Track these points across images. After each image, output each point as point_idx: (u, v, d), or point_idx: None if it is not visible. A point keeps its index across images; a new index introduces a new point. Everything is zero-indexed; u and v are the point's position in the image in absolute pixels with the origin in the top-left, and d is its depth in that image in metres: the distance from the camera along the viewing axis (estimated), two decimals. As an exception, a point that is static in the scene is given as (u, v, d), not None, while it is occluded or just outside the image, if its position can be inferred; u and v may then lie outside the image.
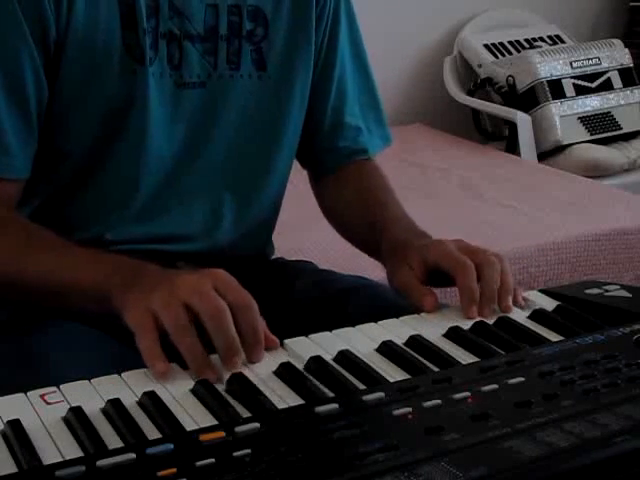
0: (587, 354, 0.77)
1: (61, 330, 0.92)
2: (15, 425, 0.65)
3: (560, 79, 3.05)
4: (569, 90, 3.06)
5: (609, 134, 3.08)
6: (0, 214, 0.96)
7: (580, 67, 3.09)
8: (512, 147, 3.04)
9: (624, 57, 3.18)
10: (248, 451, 0.60)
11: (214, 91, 1.06)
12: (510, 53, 3.25)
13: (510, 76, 3.09)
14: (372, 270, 1.17)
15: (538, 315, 0.91)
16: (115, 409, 0.69)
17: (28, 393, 0.72)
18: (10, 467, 0.61)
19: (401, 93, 3.33)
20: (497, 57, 3.22)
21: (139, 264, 0.87)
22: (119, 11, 0.98)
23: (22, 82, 0.95)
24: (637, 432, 0.64)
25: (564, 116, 3.01)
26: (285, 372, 0.76)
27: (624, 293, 0.95)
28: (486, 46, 3.24)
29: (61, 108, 0.99)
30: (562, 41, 3.34)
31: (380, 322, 0.89)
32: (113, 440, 0.65)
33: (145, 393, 0.71)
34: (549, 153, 3.02)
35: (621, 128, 3.12)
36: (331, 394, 0.72)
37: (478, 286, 0.92)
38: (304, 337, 0.85)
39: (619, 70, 3.15)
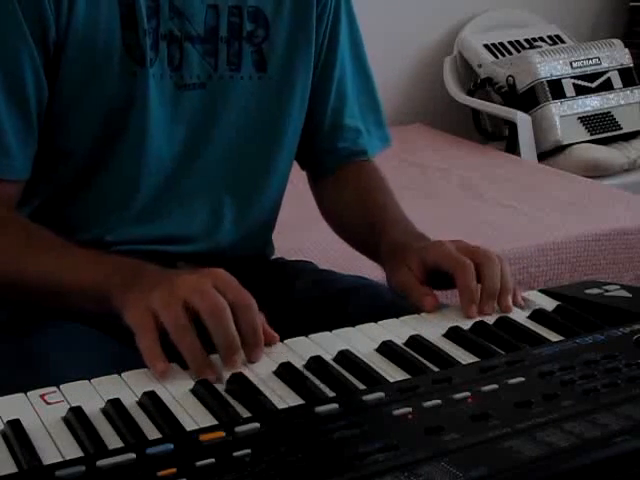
0: (587, 354, 0.77)
1: (61, 330, 0.92)
2: (15, 425, 0.65)
3: (560, 79, 3.05)
4: (569, 90, 3.06)
5: (609, 134, 3.08)
6: (0, 214, 0.96)
7: (580, 67, 3.09)
8: (512, 147, 3.04)
9: (624, 57, 3.18)
10: (248, 451, 0.60)
11: (214, 92, 1.06)
12: (510, 53, 3.25)
13: (510, 76, 3.09)
14: (372, 270, 1.17)
15: (538, 315, 0.91)
16: (115, 409, 0.69)
17: (28, 393, 0.72)
18: (10, 467, 0.61)
19: (401, 93, 3.33)
20: (497, 57, 3.22)
21: (139, 264, 0.87)
22: (119, 12, 0.98)
23: (22, 82, 0.95)
24: (637, 432, 0.64)
25: (564, 116, 3.02)
26: (285, 372, 0.76)
27: (624, 293, 0.95)
28: (486, 46, 3.24)
29: (61, 108, 0.99)
30: (562, 41, 3.34)
31: (380, 322, 0.89)
32: (113, 440, 0.65)
33: (145, 393, 0.71)
34: (549, 153, 3.02)
35: (621, 128, 3.12)
36: (331, 394, 0.72)
37: (478, 286, 0.92)
38: (304, 337, 0.85)
39: (619, 70, 3.15)
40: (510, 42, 3.29)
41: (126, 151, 1.02)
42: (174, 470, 0.58)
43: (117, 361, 0.83)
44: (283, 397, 0.72)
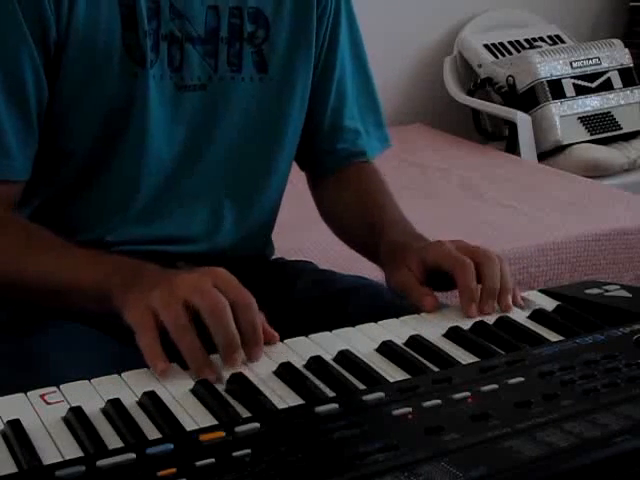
0: (587, 354, 0.77)
1: (61, 330, 0.92)
2: (15, 425, 0.65)
3: (560, 79, 3.05)
4: (569, 90, 3.06)
5: (609, 134, 3.08)
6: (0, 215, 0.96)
7: (580, 67, 3.09)
8: (512, 147, 3.04)
9: (624, 57, 3.18)
10: (248, 451, 0.60)
11: (215, 93, 1.06)
12: (510, 53, 3.25)
13: (510, 76, 3.09)
14: (372, 270, 1.17)
15: (538, 315, 0.91)
16: (115, 409, 0.69)
17: (28, 393, 0.72)
18: (10, 467, 0.61)
19: (401, 93, 3.33)
20: (497, 57, 3.22)
21: (139, 264, 0.87)
22: (120, 12, 0.98)
23: (22, 82, 0.95)
24: (637, 432, 0.64)
25: (564, 116, 3.02)
26: (285, 372, 0.76)
27: (624, 293, 0.95)
28: (486, 46, 3.24)
29: (61, 108, 0.99)
30: (562, 41, 3.34)
31: (380, 322, 0.89)
32: (113, 440, 0.65)
33: (145, 393, 0.71)
34: (549, 153, 3.02)
35: (621, 128, 3.12)
36: (331, 394, 0.72)
37: (478, 286, 0.92)
38: (304, 337, 0.85)
39: (619, 70, 3.15)
40: (510, 42, 3.29)
41: (126, 152, 1.02)
42: (174, 470, 0.58)
43: (117, 361, 0.83)
44: (283, 397, 0.72)
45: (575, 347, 0.79)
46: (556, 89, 3.04)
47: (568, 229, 2.16)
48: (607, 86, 3.12)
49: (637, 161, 3.01)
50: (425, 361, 0.80)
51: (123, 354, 0.87)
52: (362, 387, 0.74)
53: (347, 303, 1.06)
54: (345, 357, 0.79)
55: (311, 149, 1.19)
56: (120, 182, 1.04)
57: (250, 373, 0.76)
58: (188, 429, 0.66)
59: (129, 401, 0.71)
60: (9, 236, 0.95)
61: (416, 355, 0.81)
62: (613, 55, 3.17)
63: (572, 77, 3.07)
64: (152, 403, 0.70)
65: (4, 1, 0.93)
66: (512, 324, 0.88)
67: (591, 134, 3.05)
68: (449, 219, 2.22)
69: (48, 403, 0.70)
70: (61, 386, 0.73)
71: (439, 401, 0.68)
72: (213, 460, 0.59)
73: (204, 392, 0.72)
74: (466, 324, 0.88)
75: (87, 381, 0.74)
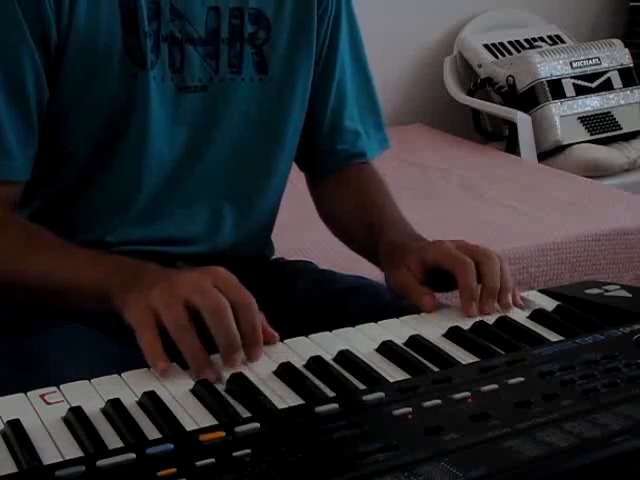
0: (587, 354, 0.77)
1: (61, 330, 0.92)
2: (15, 425, 0.65)
3: (560, 79, 3.05)
4: (569, 90, 3.06)
5: (609, 134, 3.08)
6: None
7: (580, 67, 3.09)
8: (512, 147, 3.04)
9: (624, 57, 3.18)
10: (248, 451, 0.60)
11: (216, 94, 1.06)
12: (510, 53, 3.25)
13: (510, 76, 3.09)
14: (372, 270, 1.17)
15: (538, 315, 0.91)
16: (115, 409, 0.69)
17: (28, 393, 0.72)
18: (10, 467, 0.61)
19: (401, 93, 3.33)
20: (497, 57, 3.22)
21: (139, 263, 0.87)
22: (120, 13, 0.98)
23: (22, 82, 0.95)
24: (637, 432, 0.64)
25: (564, 116, 3.02)
26: (285, 372, 0.76)
27: (624, 293, 0.95)
28: (486, 46, 3.24)
29: (62, 108, 0.99)
30: (562, 41, 3.34)
31: (380, 322, 0.89)
32: (113, 440, 0.65)
33: (145, 393, 0.71)
34: (549, 153, 3.02)
35: (621, 128, 3.12)
36: (331, 394, 0.72)
37: (478, 285, 0.92)
38: (304, 337, 0.85)
39: (619, 70, 3.15)
40: (510, 42, 3.29)
41: (127, 152, 1.02)
42: (174, 470, 0.58)
43: (117, 361, 0.83)
44: (283, 397, 0.72)
45: (575, 347, 0.79)
46: (556, 89, 3.04)
47: (568, 229, 2.16)
48: (607, 86, 3.12)
49: (637, 161, 3.01)
50: (425, 361, 0.79)
51: (123, 354, 0.87)
52: (362, 387, 0.74)
53: (347, 303, 1.06)
54: (345, 357, 0.79)
55: (311, 150, 1.19)
56: (120, 183, 1.04)
57: (250, 373, 0.76)
58: (188, 429, 0.66)
59: (129, 401, 0.71)
60: (9, 236, 0.95)
61: (416, 355, 0.81)
62: (613, 55, 3.17)
63: (572, 77, 3.07)
64: (152, 403, 0.70)
65: (4, 1, 0.93)
66: (512, 324, 0.88)
67: (591, 134, 3.05)
68: (449, 219, 2.22)
69: (48, 403, 0.70)
70: (61, 386, 0.73)
71: (439, 401, 0.68)
72: (213, 460, 0.59)
73: (204, 392, 0.72)
74: (466, 324, 0.88)
75: (87, 381, 0.74)
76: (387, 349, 0.82)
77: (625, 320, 0.86)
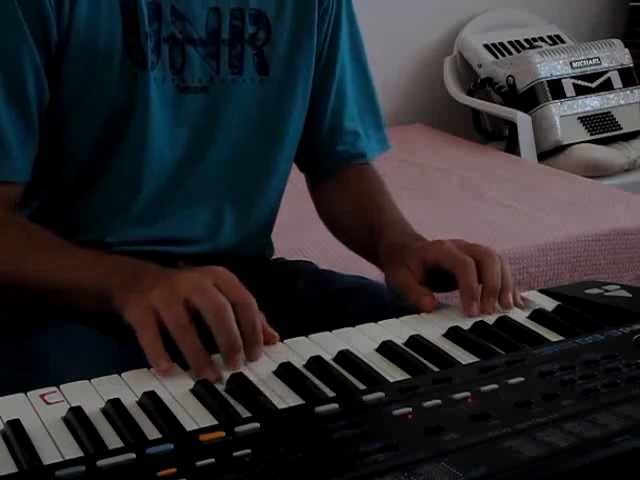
0: (587, 354, 0.77)
1: (61, 330, 0.92)
2: (15, 425, 0.65)
3: (560, 79, 3.05)
4: (569, 90, 3.06)
5: (609, 134, 3.08)
6: None
7: (580, 67, 3.09)
8: (512, 147, 3.04)
9: (624, 57, 3.18)
10: (248, 451, 0.60)
11: (216, 95, 1.06)
12: (510, 53, 3.25)
13: (510, 76, 3.09)
14: (372, 270, 1.17)
15: (538, 315, 0.91)
16: (115, 409, 0.69)
17: (28, 393, 0.72)
18: (10, 467, 0.61)
19: (401, 93, 3.33)
20: (497, 57, 3.22)
21: (139, 263, 0.87)
22: (121, 14, 0.98)
23: (23, 82, 0.95)
24: (637, 432, 0.64)
25: (564, 116, 3.02)
26: (285, 372, 0.76)
27: (624, 293, 0.95)
28: (486, 46, 3.24)
29: (62, 109, 0.99)
30: (562, 41, 3.34)
31: (380, 322, 0.89)
32: (113, 440, 0.65)
33: (145, 393, 0.71)
34: (549, 153, 3.02)
35: (621, 128, 3.12)
36: (331, 394, 0.72)
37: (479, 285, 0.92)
38: (304, 337, 0.85)
39: (619, 70, 3.15)
40: (510, 42, 3.29)
41: (127, 153, 1.02)
42: (174, 470, 0.58)
43: (117, 361, 0.83)
44: (283, 397, 0.72)
45: (575, 347, 0.79)
46: (556, 89, 3.04)
47: (568, 229, 2.16)
48: (607, 86, 3.12)
49: (637, 161, 3.01)
50: (425, 361, 0.79)
51: (123, 354, 0.87)
52: (362, 387, 0.74)
53: (347, 303, 1.06)
54: (345, 357, 0.79)
55: (310, 151, 1.19)
56: (121, 183, 1.04)
57: (250, 373, 0.76)
58: (188, 429, 0.66)
59: (129, 401, 0.71)
60: (9, 236, 0.95)
61: (416, 355, 0.81)
62: (613, 55, 3.17)
63: (572, 77, 3.07)
64: (152, 403, 0.70)
65: (4, 1, 0.93)
66: (512, 324, 0.88)
67: (591, 134, 3.05)
68: (449, 219, 2.22)
69: (48, 403, 0.70)
70: (61, 386, 0.73)
71: (439, 401, 0.68)
72: (213, 460, 0.59)
73: (204, 392, 0.72)
74: (466, 324, 0.88)
75: (87, 381, 0.74)
76: (387, 349, 0.82)
77: (625, 320, 0.86)
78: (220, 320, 0.77)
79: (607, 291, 0.96)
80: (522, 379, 0.72)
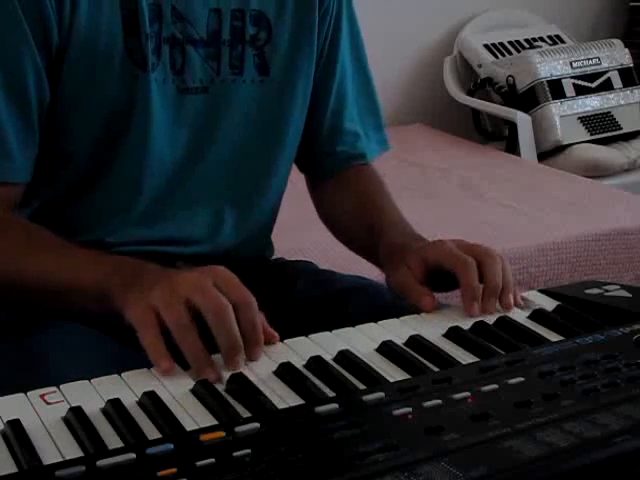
0: (587, 354, 0.77)
1: (61, 330, 0.92)
2: (15, 425, 0.65)
3: (560, 79, 3.05)
4: (569, 90, 3.06)
5: (609, 134, 3.08)
6: None
7: (580, 67, 3.09)
8: (512, 147, 3.04)
9: (624, 57, 3.18)
10: (248, 451, 0.60)
11: (217, 96, 1.06)
12: (510, 53, 3.25)
13: (510, 76, 3.09)
14: (372, 270, 1.17)
15: (538, 315, 0.91)
16: (115, 409, 0.69)
17: (28, 393, 0.72)
18: (10, 467, 0.61)
19: (401, 93, 3.33)
20: (497, 57, 3.22)
21: (139, 263, 0.87)
22: (121, 15, 0.98)
23: (23, 82, 0.95)
24: (637, 432, 0.64)
25: (564, 116, 3.02)
26: (285, 372, 0.76)
27: (624, 293, 0.95)
28: (486, 46, 3.24)
29: (63, 109, 0.99)
30: (562, 41, 3.34)
31: (380, 322, 0.89)
32: (113, 440, 0.65)
33: (145, 393, 0.71)
34: (549, 153, 3.02)
35: (621, 128, 3.12)
36: (331, 394, 0.72)
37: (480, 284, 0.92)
38: (304, 337, 0.85)
39: (619, 70, 3.15)
40: (510, 42, 3.29)
41: (128, 154, 1.02)
42: (174, 470, 0.58)
43: (117, 361, 0.83)
44: (283, 397, 0.72)
45: (575, 347, 0.79)
46: (556, 89, 3.04)
47: (568, 229, 2.16)
48: (607, 86, 3.12)
49: (637, 161, 3.01)
50: (425, 361, 0.79)
51: (123, 354, 0.87)
52: (362, 387, 0.74)
53: (347, 303, 1.06)
54: (345, 357, 0.79)
55: (310, 151, 1.19)
56: (121, 184, 1.04)
57: (250, 373, 0.76)
58: (188, 429, 0.66)
59: (129, 401, 0.71)
60: (9, 236, 0.95)
61: (416, 355, 0.81)
62: (613, 55, 3.17)
63: (572, 77, 3.07)
64: (152, 403, 0.70)
65: (4, 1, 0.93)
66: (512, 324, 0.88)
67: (591, 134, 3.05)
68: (449, 219, 2.22)
69: (48, 403, 0.70)
70: (61, 386, 0.73)
71: (439, 401, 0.68)
72: (213, 460, 0.59)
73: (204, 392, 0.72)
74: (466, 324, 0.88)
75: (87, 381, 0.74)
76: (387, 349, 0.82)
77: (625, 320, 0.86)
78: (221, 321, 0.77)
79: (607, 291, 0.96)
80: (522, 379, 0.72)
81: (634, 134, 3.13)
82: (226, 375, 0.76)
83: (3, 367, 0.88)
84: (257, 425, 0.64)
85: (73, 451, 0.64)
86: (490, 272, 0.92)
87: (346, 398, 0.70)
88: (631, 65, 3.18)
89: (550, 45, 3.26)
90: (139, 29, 0.99)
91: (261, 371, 0.77)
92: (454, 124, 3.29)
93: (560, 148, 3.00)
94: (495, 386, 0.71)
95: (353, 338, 0.85)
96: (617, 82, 3.14)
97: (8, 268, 0.93)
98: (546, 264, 2.07)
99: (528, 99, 3.05)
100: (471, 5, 3.36)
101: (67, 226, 1.02)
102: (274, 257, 1.24)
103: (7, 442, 0.64)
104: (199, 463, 0.59)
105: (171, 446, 0.62)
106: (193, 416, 0.69)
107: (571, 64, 3.08)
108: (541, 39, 3.33)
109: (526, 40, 3.31)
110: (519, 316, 0.91)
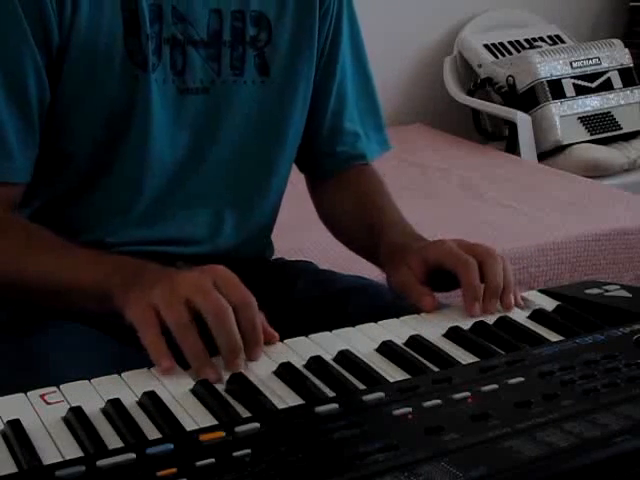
0: (587, 354, 0.77)
1: (61, 330, 0.92)
2: (15, 425, 0.65)
3: (560, 79, 3.05)
4: (569, 90, 3.06)
5: (609, 134, 3.08)
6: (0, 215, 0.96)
7: (580, 67, 3.09)
8: (512, 147, 3.05)
9: (624, 57, 3.18)
10: (248, 451, 0.60)
11: (217, 97, 1.06)
12: (510, 53, 3.25)
13: (510, 76, 3.09)
14: (372, 270, 1.17)
15: (538, 315, 0.91)
16: (115, 409, 0.69)
17: (28, 393, 0.72)
18: (10, 467, 0.61)
19: (401, 93, 3.33)
20: (497, 57, 3.22)
21: (139, 263, 0.87)
22: (122, 16, 0.98)
23: (24, 83, 0.95)
24: (637, 432, 0.64)
25: (564, 116, 3.02)
26: (285, 372, 0.76)
27: (624, 293, 0.95)
28: (486, 46, 3.24)
29: (63, 109, 0.99)
30: (562, 41, 3.34)
31: (380, 322, 0.89)
32: (113, 440, 0.65)
33: (145, 393, 0.71)
34: (549, 153, 3.02)
35: (621, 128, 3.12)
36: (331, 394, 0.72)
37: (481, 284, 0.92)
38: (304, 337, 0.85)
39: (619, 70, 3.15)
40: (510, 42, 3.29)
41: (128, 154, 1.02)
42: (174, 470, 0.58)
43: (117, 361, 0.83)
44: (283, 397, 0.72)
45: (575, 347, 0.79)
46: (556, 89, 3.04)
47: (568, 229, 2.16)
48: (607, 86, 3.12)
49: (637, 161, 3.01)
50: (425, 361, 0.80)
51: (123, 354, 0.87)
52: (362, 387, 0.74)
53: (347, 303, 1.06)
54: (345, 357, 0.79)
55: (311, 151, 1.19)
56: (122, 184, 1.03)
57: (250, 373, 0.76)
58: (188, 429, 0.66)
59: (129, 401, 0.71)
60: (9, 236, 0.95)
61: (416, 355, 0.81)
62: (613, 55, 3.17)
63: (572, 77, 3.07)
64: (152, 403, 0.70)
65: (4, 1, 0.93)
66: (512, 324, 0.88)
67: (591, 134, 3.05)
68: (449, 219, 2.22)
69: (48, 403, 0.70)
70: (61, 386, 0.73)
71: (439, 401, 0.68)
72: (213, 460, 0.59)
73: (204, 392, 0.72)
74: (466, 324, 0.88)
75: (87, 381, 0.74)
76: (387, 349, 0.82)
77: (625, 320, 0.86)
78: (221, 322, 0.77)
79: (607, 291, 0.96)
80: (522, 379, 0.72)
81: (634, 134, 3.13)
82: (226, 375, 0.76)
83: (3, 367, 0.88)
84: (257, 425, 0.64)
85: (73, 451, 0.64)
86: (491, 272, 0.92)
87: (346, 398, 0.70)
88: (631, 65, 3.18)
89: (550, 45, 3.27)
90: (140, 30, 0.99)
91: (261, 371, 0.77)
92: (454, 124, 3.29)
93: (560, 148, 3.00)
94: (495, 386, 0.71)
95: (353, 338, 0.85)
96: (617, 82, 3.14)
97: (8, 268, 0.93)
98: (546, 264, 2.07)
99: (528, 99, 3.05)
100: (471, 5, 3.36)
101: (67, 226, 1.02)
102: (274, 257, 1.24)
103: (7, 442, 0.64)
104: (199, 463, 0.59)
105: (171, 446, 0.62)
106: (193, 416, 0.69)
107: (571, 64, 3.08)
108: (541, 39, 3.33)
109: (526, 40, 3.31)
110: (519, 316, 0.91)
